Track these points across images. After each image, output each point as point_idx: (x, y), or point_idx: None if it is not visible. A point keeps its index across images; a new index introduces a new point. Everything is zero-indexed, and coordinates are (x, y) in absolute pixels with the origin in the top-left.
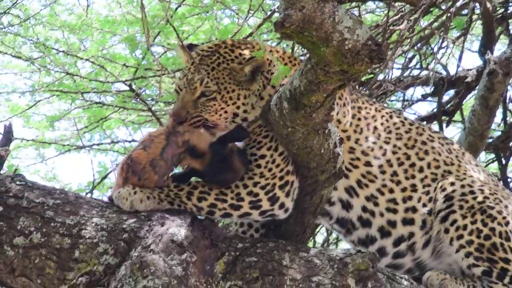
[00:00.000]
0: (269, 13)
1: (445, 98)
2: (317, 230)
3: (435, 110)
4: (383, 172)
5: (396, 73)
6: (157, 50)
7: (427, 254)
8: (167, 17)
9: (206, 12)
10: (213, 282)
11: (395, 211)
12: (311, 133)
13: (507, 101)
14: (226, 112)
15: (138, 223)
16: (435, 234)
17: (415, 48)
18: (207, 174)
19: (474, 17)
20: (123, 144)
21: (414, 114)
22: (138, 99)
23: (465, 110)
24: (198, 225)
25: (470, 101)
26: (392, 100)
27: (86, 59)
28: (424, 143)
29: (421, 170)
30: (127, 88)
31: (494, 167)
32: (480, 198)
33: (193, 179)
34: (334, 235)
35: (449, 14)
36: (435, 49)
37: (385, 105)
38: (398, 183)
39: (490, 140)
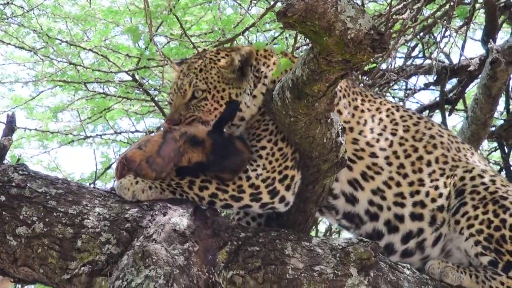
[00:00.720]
0: (272, 2)
1: (448, 87)
2: (319, 219)
3: (437, 99)
4: (389, 164)
5: (399, 62)
6: (160, 40)
7: (436, 252)
8: (170, 6)
9: (209, 2)
10: (215, 271)
11: (402, 205)
12: (314, 123)
13: (510, 89)
14: (220, 112)
15: (140, 213)
16: (446, 230)
17: (418, 37)
18: (212, 164)
19: (477, 6)
20: (126, 135)
21: (417, 103)
22: (141, 89)
23: (467, 99)
24: (200, 215)
25: (472, 90)
26: (394, 89)
27: (89, 50)
28: (432, 137)
29: (429, 164)
30: (130, 78)
31: (496, 155)
32: (492, 189)
33: None
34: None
35: (452, 3)
36: (438, 38)
37: (393, 100)
38: (405, 176)
39: (493, 129)
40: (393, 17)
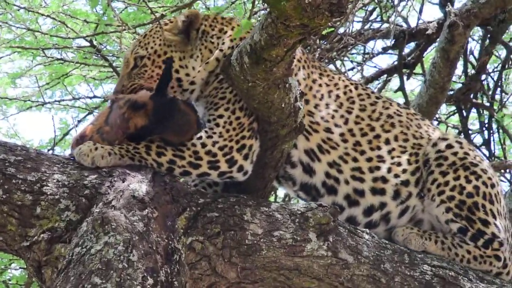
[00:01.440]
0: None
1: (406, 50)
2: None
3: (395, 63)
4: (345, 141)
5: (357, 26)
6: (118, 5)
7: (404, 221)
8: None
9: None
10: (174, 237)
11: (362, 180)
12: (272, 88)
13: (468, 53)
14: None
15: (100, 179)
16: (416, 202)
17: (376, 1)
18: (155, 126)
19: None
20: (84, 101)
21: (375, 67)
22: (99, 55)
23: (426, 63)
24: (159, 181)
25: (431, 54)
26: (352, 54)
27: (47, 16)
28: (390, 116)
29: (387, 142)
30: (88, 44)
31: (455, 119)
32: (460, 154)
33: None
34: None
35: None
36: (396, 2)
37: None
38: (363, 152)
39: (451, 93)
40: None
